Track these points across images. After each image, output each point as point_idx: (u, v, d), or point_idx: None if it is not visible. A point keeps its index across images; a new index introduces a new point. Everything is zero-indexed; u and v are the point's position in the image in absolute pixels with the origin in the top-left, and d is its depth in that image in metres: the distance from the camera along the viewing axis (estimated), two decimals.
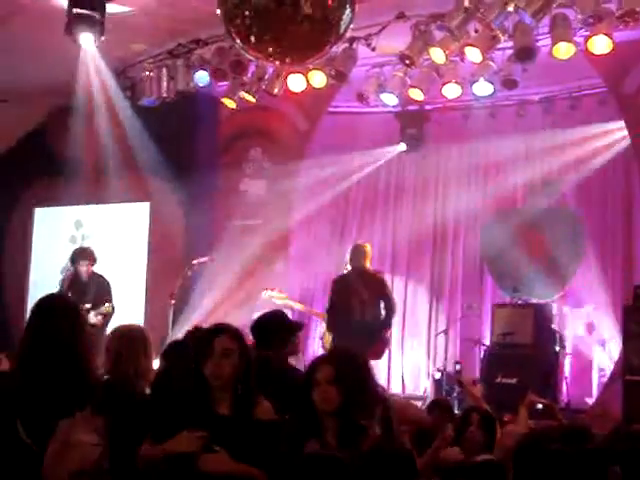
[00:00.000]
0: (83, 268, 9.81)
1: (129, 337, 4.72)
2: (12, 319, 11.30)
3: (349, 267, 9.42)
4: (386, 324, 9.30)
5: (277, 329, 5.50)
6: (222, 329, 4.06)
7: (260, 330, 5.49)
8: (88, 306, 9.37)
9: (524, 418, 5.68)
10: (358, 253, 9.41)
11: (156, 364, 5.00)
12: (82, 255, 9.98)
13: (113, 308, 9.75)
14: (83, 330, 4.42)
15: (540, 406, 6.30)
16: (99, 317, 9.49)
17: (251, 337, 5.40)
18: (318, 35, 4.74)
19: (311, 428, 3.83)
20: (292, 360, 5.83)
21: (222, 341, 3.95)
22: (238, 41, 4.76)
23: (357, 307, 9.11)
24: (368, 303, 9.16)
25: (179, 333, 8.18)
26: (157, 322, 10.23)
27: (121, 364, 4.54)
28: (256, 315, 6.04)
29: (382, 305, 9.24)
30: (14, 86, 10.40)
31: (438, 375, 10.74)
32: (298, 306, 10.39)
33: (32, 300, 11.00)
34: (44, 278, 11.66)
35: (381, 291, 9.32)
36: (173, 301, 9.96)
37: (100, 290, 9.81)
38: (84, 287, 9.70)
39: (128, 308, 10.79)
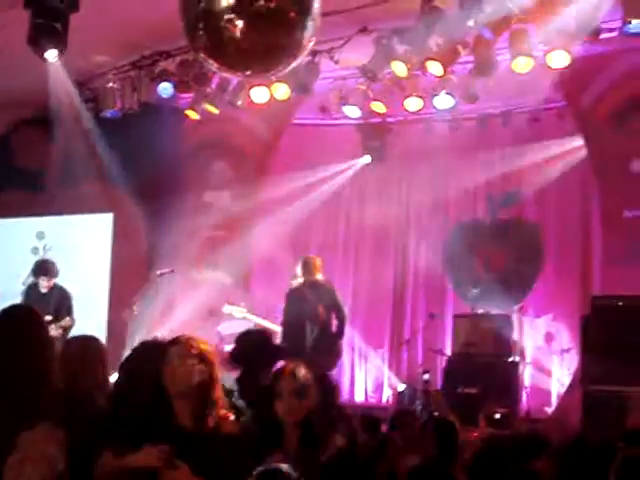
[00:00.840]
0: (44, 281, 9.77)
1: (84, 348, 4.70)
2: None
3: (300, 279, 9.40)
4: (338, 335, 9.33)
5: (258, 353, 5.48)
6: (178, 338, 4.06)
7: (242, 347, 5.50)
8: (49, 318, 9.32)
9: (483, 427, 5.76)
10: (309, 265, 9.40)
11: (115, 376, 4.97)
12: (43, 268, 9.93)
13: (73, 321, 9.72)
14: (47, 340, 4.41)
15: (498, 416, 6.40)
16: (59, 330, 9.45)
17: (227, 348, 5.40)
18: (280, 47, 4.78)
19: (273, 438, 3.85)
20: None
21: (178, 349, 3.94)
22: (201, 53, 4.79)
23: (311, 319, 9.06)
24: (322, 315, 9.13)
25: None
26: (119, 334, 10.20)
27: (77, 375, 4.51)
28: (229, 328, 6.06)
29: (334, 315, 9.29)
30: None
31: (402, 387, 10.82)
32: (258, 320, 10.33)
33: None
34: (5, 290, 11.55)
35: (333, 302, 9.31)
36: (135, 312, 9.94)
37: (61, 302, 9.77)
38: (45, 299, 9.65)
39: (91, 319, 10.73)
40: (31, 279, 9.99)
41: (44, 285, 9.74)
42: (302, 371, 4.13)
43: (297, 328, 9.03)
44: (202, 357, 3.95)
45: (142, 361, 4.55)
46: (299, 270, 9.41)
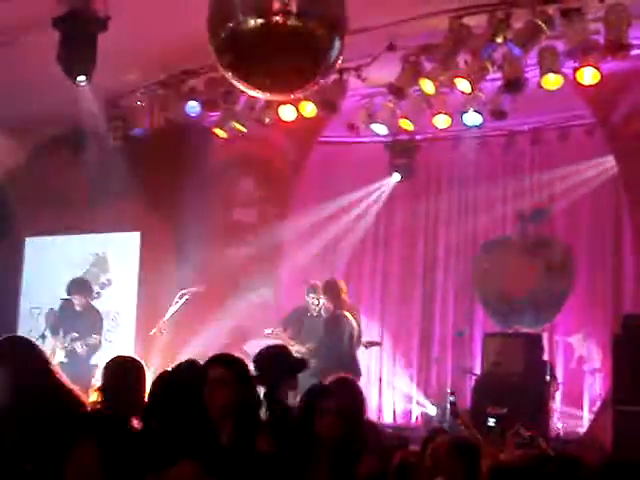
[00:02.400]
0: (77, 299, 9.85)
1: (125, 368, 4.72)
2: None
3: (324, 302, 9.55)
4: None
5: (280, 366, 5.50)
6: (217, 359, 4.06)
7: (262, 364, 5.49)
8: (76, 335, 9.42)
9: (511, 448, 5.68)
10: (335, 289, 9.64)
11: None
12: (78, 286, 10.02)
13: (100, 341, 9.78)
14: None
15: (527, 437, 6.31)
16: (84, 347, 9.50)
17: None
18: (308, 66, 4.78)
19: (306, 458, 3.84)
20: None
21: (215, 370, 3.94)
22: (228, 73, 4.80)
23: (347, 342, 9.34)
24: (355, 336, 9.47)
25: (169, 364, 8.16)
26: (147, 353, 10.21)
27: (115, 395, 4.53)
28: (256, 346, 6.11)
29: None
30: (4, 116, 10.42)
31: (433, 409, 10.75)
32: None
33: (23, 331, 11.01)
34: (35, 308, 11.64)
35: (358, 323, 9.64)
36: (163, 331, 9.94)
37: (91, 322, 9.85)
38: (76, 317, 9.74)
39: (118, 338, 10.76)
40: (66, 296, 10.05)
41: (77, 303, 9.82)
42: (346, 389, 4.16)
43: (346, 353, 9.21)
44: (239, 376, 3.95)
45: (179, 380, 4.56)
46: (325, 295, 9.54)
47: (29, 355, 4.31)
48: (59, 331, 9.64)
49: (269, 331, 9.96)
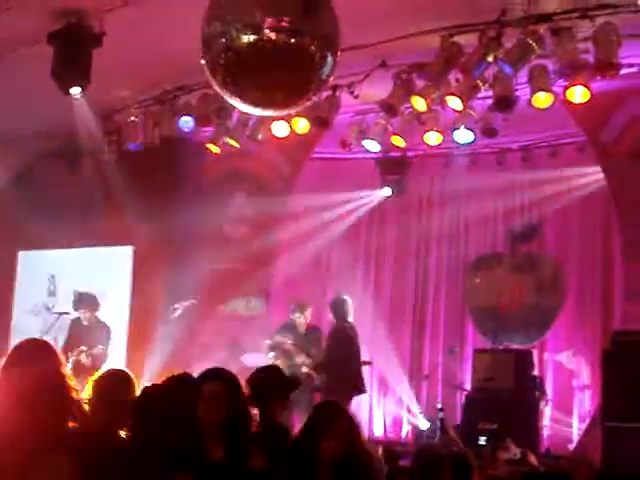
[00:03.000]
0: (83, 313, 9.90)
1: (115, 381, 4.73)
2: None
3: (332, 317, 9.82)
4: None
5: (273, 385, 5.56)
6: (211, 374, 4.06)
7: (255, 385, 5.54)
8: (84, 348, 9.50)
9: (502, 464, 5.70)
10: (344, 305, 9.88)
11: None
12: (84, 301, 10.07)
13: (106, 352, 9.83)
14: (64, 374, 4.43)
15: (517, 453, 6.35)
16: (89, 358, 9.55)
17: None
18: (300, 83, 4.82)
19: (304, 476, 3.88)
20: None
21: (209, 385, 3.95)
22: (221, 89, 4.84)
23: (354, 354, 9.69)
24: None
25: (160, 378, 8.16)
26: (138, 366, 10.21)
27: (105, 408, 4.53)
28: (249, 363, 6.17)
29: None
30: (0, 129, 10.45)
31: (425, 424, 10.77)
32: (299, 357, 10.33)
33: (14, 344, 10.98)
34: (26, 321, 11.62)
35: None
36: (156, 345, 9.96)
37: (98, 335, 9.91)
38: (83, 330, 9.80)
39: (110, 352, 10.74)
40: (63, 310, 10.10)
41: (84, 317, 9.89)
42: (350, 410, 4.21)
43: (348, 366, 9.60)
44: (232, 392, 3.96)
45: (172, 394, 4.56)
46: (331, 311, 9.77)
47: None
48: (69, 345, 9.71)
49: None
